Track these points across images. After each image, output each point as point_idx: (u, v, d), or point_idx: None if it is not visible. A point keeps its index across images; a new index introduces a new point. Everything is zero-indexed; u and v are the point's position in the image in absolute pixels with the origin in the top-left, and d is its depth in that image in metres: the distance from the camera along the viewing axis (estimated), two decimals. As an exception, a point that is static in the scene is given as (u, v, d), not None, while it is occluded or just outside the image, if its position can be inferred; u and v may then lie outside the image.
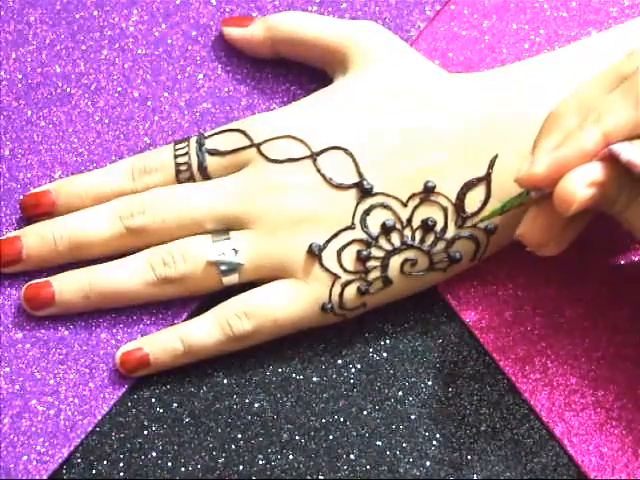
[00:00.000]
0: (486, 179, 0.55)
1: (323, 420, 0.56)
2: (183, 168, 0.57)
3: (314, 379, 0.57)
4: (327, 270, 0.55)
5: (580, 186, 0.47)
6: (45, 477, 0.54)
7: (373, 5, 0.62)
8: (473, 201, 0.55)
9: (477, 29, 0.62)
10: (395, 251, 0.55)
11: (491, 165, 0.54)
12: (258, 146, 0.56)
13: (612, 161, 0.47)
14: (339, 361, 0.57)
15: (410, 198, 0.55)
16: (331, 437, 0.55)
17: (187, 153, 0.57)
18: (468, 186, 0.55)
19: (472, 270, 0.57)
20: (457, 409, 0.56)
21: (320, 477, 0.54)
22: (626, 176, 0.48)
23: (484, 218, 0.54)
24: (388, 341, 0.57)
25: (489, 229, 0.55)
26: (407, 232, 0.55)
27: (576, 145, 0.48)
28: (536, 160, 0.49)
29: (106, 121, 0.60)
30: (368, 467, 0.55)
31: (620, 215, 0.50)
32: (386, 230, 0.55)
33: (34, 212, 0.58)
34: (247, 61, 0.62)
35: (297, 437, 0.55)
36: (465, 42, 0.61)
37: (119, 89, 0.61)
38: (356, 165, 0.55)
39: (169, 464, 0.55)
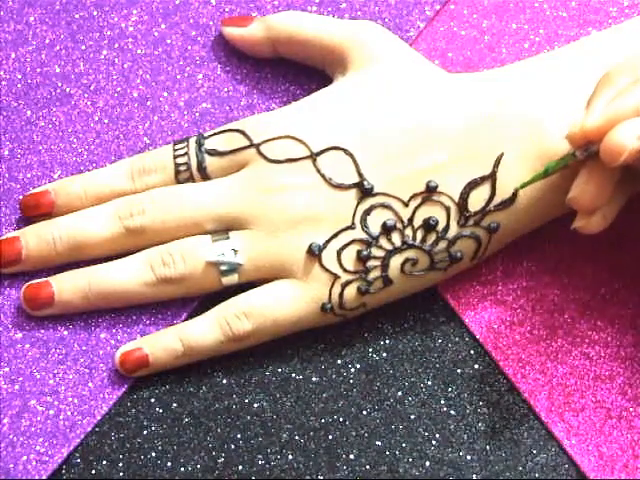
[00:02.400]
0: (491, 177, 0.55)
1: (323, 420, 0.56)
2: (182, 168, 0.57)
3: (314, 379, 0.57)
4: (327, 270, 0.55)
5: (630, 137, 0.47)
6: (45, 477, 0.54)
7: (373, 5, 0.62)
8: (477, 200, 0.55)
9: (477, 29, 0.62)
10: (396, 251, 0.55)
11: (496, 164, 0.54)
12: (257, 146, 0.56)
13: None
14: (339, 361, 0.57)
15: (411, 198, 0.55)
16: (331, 437, 0.55)
17: (186, 153, 0.57)
18: (472, 185, 0.55)
19: (472, 270, 0.57)
20: (457, 409, 0.56)
21: (320, 477, 0.54)
22: None
23: (525, 184, 0.53)
24: (388, 341, 0.57)
25: (492, 227, 0.55)
26: (408, 232, 0.55)
27: (631, 98, 0.48)
28: (590, 113, 0.49)
29: (106, 121, 0.60)
30: (368, 467, 0.55)
31: None
32: (386, 230, 0.55)
33: (34, 212, 0.58)
34: (247, 61, 0.62)
35: (297, 437, 0.55)
36: (465, 42, 0.61)
37: (119, 89, 0.61)
38: (356, 165, 0.55)
39: (169, 464, 0.55)
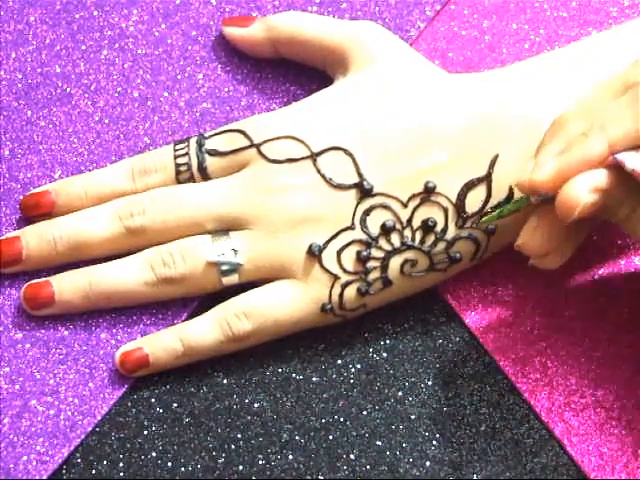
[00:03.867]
0: (486, 179, 0.55)
1: (323, 420, 0.56)
2: (183, 169, 0.57)
3: (314, 379, 0.57)
4: (327, 271, 0.55)
5: (584, 191, 0.47)
6: (45, 477, 0.54)
7: (373, 5, 0.62)
8: (474, 201, 0.55)
9: (477, 29, 0.62)
10: (395, 251, 0.55)
11: (492, 165, 0.54)
12: (258, 146, 0.56)
13: (616, 169, 0.47)
14: (339, 361, 0.57)
15: (410, 198, 0.55)
16: (331, 437, 0.55)
17: (187, 153, 0.57)
18: (468, 186, 0.55)
19: (472, 270, 0.57)
20: (457, 409, 0.56)
21: (320, 477, 0.54)
22: (630, 184, 0.48)
23: (482, 223, 0.54)
24: (388, 341, 0.57)
25: (489, 229, 0.55)
26: (407, 232, 0.55)
27: (581, 152, 0.48)
28: (539, 165, 0.49)
29: (106, 121, 0.60)
30: (368, 467, 0.55)
31: (623, 223, 0.50)
32: (386, 230, 0.55)
33: (34, 212, 0.58)
34: (247, 61, 0.62)
35: (297, 437, 0.55)
36: (465, 42, 0.61)
37: (119, 89, 0.61)
38: (356, 165, 0.55)
39: (169, 464, 0.55)
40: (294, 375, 0.57)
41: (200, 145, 0.57)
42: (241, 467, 0.55)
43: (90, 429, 0.55)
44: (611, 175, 0.48)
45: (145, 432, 0.55)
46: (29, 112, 0.61)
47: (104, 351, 0.57)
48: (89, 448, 0.55)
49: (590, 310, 0.57)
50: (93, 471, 0.55)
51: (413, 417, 0.56)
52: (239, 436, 0.55)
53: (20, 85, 0.61)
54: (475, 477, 0.54)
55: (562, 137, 0.49)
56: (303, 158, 0.55)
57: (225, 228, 0.56)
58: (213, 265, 0.55)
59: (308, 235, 0.55)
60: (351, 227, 0.55)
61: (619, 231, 0.58)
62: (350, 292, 0.55)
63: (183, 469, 0.55)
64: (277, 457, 0.55)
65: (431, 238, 0.55)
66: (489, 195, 0.55)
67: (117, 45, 0.62)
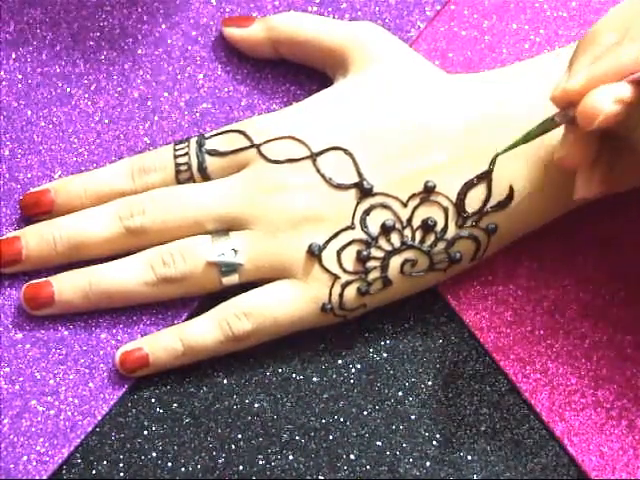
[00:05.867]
0: (486, 178, 0.55)
1: (323, 420, 0.56)
2: (183, 168, 0.57)
3: (314, 379, 0.57)
4: (327, 270, 0.55)
5: (607, 101, 0.47)
6: (45, 477, 0.54)
7: (373, 5, 0.62)
8: (473, 200, 0.55)
9: (477, 29, 0.62)
10: (395, 251, 0.55)
11: (492, 163, 0.54)
12: (258, 147, 0.56)
13: None
14: (339, 361, 0.57)
15: (410, 198, 0.55)
16: (331, 437, 0.55)
17: (187, 153, 0.57)
18: (468, 185, 0.55)
19: (472, 270, 0.57)
20: (457, 409, 0.56)
21: (320, 477, 0.54)
22: None
23: (507, 149, 0.52)
24: (388, 341, 0.57)
25: (490, 229, 0.55)
26: (407, 232, 0.55)
27: (614, 61, 0.47)
28: (572, 75, 0.48)
29: (106, 121, 0.60)
30: (368, 467, 0.55)
31: (639, 142, 0.49)
32: (386, 230, 0.55)
33: (33, 211, 0.58)
34: (247, 61, 0.62)
35: (297, 437, 0.55)
36: (465, 42, 0.61)
37: (119, 89, 0.61)
38: (356, 165, 0.55)
39: (169, 464, 0.55)
40: (294, 375, 0.57)
41: (200, 145, 0.57)
42: (241, 467, 0.55)
43: (90, 429, 0.55)
44: (636, 89, 0.47)
45: (145, 432, 0.55)
46: (29, 112, 0.61)
47: (104, 351, 0.57)
48: (89, 448, 0.55)
49: (590, 310, 0.57)
50: (93, 471, 0.55)
51: (413, 417, 0.56)
52: (239, 436, 0.55)
53: (20, 85, 0.61)
54: (475, 477, 0.54)
55: (595, 47, 0.48)
56: (303, 158, 0.55)
57: (225, 228, 0.56)
58: (213, 265, 0.55)
59: (308, 235, 0.55)
60: (351, 227, 0.55)
61: (618, 231, 0.58)
62: (350, 292, 0.55)
63: (183, 469, 0.55)
64: (277, 457, 0.55)
65: (431, 238, 0.55)
66: (489, 194, 0.55)
67: (117, 45, 0.62)
